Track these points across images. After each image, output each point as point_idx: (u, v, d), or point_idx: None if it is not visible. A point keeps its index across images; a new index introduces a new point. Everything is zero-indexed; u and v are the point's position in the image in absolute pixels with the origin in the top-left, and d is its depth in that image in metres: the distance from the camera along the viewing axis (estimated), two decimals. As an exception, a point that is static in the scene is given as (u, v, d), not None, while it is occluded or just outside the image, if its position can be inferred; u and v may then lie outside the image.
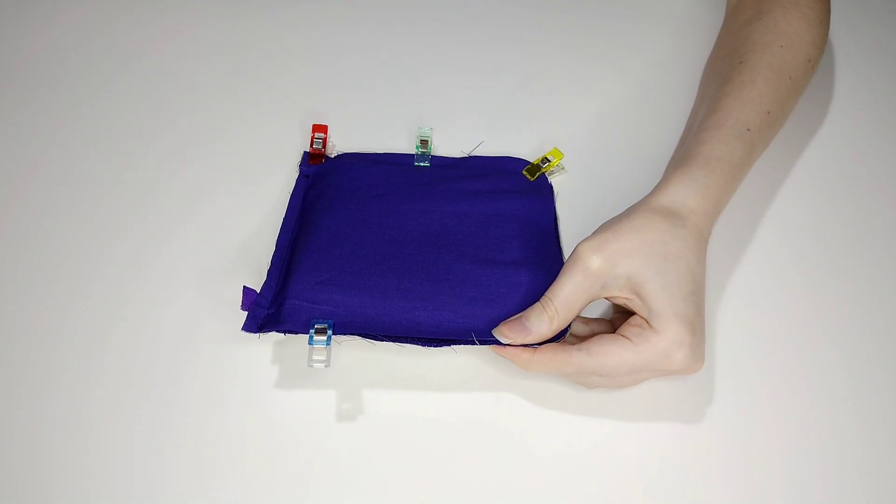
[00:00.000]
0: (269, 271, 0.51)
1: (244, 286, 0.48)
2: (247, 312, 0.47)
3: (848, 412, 0.49)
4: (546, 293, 0.46)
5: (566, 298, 0.45)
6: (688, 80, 0.66)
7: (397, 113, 0.64)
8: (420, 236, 0.52)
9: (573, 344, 0.46)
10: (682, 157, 0.51)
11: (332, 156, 0.60)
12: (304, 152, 0.60)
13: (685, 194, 0.47)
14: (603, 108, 0.65)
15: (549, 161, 0.59)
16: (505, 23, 0.71)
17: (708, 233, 0.48)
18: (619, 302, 0.46)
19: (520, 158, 0.60)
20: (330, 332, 0.46)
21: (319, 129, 0.60)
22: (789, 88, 0.54)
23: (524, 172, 0.58)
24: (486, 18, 0.71)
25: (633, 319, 0.45)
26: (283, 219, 0.55)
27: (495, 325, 0.46)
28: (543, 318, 0.45)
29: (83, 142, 0.60)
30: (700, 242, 0.47)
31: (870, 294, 0.55)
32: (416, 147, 0.60)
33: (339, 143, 0.61)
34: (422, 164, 0.59)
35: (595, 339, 0.45)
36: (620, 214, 0.47)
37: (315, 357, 0.46)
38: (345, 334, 0.46)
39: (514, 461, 0.46)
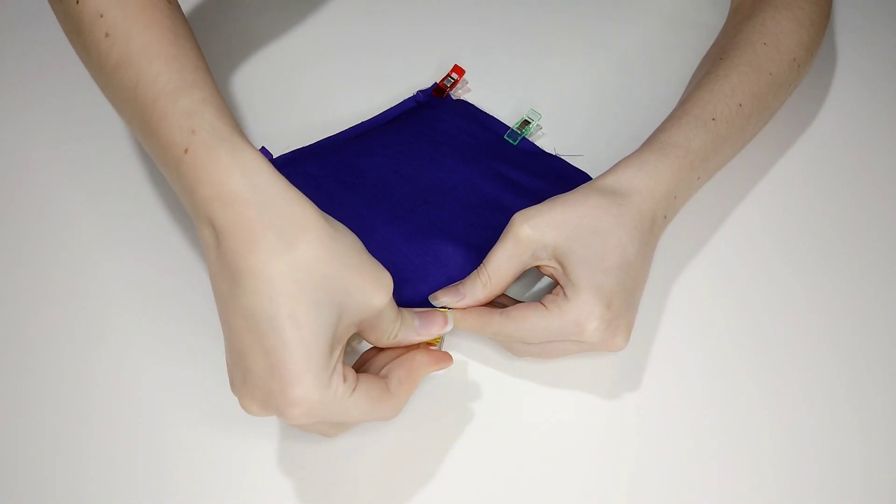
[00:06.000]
0: (299, 148, 0.58)
1: (262, 147, 0.56)
2: None
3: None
4: (483, 260, 0.49)
5: (498, 265, 0.48)
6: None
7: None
8: (425, 186, 0.55)
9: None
10: (641, 145, 0.52)
11: (454, 98, 0.63)
12: (434, 83, 0.64)
13: (631, 175, 0.48)
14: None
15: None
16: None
17: (657, 215, 0.49)
18: (547, 272, 0.48)
19: (591, 177, 0.58)
20: None
21: (458, 70, 0.64)
22: (769, 84, 0.54)
23: (584, 191, 0.56)
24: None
25: (555, 289, 0.47)
26: (366, 120, 0.61)
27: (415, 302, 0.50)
28: (477, 284, 0.49)
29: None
30: (639, 221, 0.47)
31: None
32: (516, 124, 0.61)
33: (472, 92, 0.64)
34: (510, 139, 0.60)
35: (517, 305, 0.48)
36: (564, 193, 0.49)
37: None
38: None
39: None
